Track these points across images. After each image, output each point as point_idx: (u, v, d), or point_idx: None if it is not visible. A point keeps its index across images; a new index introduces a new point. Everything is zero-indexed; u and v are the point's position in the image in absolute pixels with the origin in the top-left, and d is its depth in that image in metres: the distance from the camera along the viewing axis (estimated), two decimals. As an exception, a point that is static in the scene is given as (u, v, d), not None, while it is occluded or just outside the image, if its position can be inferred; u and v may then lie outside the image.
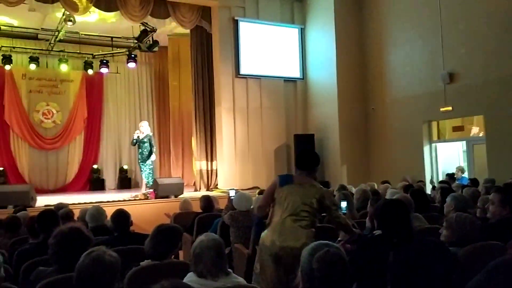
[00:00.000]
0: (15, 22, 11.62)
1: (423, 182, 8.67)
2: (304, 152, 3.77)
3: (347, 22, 11.42)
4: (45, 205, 7.60)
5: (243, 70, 11.45)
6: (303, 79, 12.32)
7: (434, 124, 10.20)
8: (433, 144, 10.13)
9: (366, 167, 11.23)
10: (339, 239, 3.39)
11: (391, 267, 1.90)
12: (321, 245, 1.89)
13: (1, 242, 4.59)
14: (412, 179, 8.60)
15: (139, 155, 10.04)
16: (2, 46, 11.96)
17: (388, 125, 10.88)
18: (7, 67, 11.84)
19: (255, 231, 3.85)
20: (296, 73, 12.28)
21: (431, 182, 9.54)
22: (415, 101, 10.11)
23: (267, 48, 11.85)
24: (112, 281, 2.21)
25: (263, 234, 3.50)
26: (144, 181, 10.13)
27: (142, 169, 10.08)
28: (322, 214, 3.62)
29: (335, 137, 11.30)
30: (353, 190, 6.18)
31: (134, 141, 9.96)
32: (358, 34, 11.54)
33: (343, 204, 3.87)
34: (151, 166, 10.16)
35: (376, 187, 6.85)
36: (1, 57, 11.72)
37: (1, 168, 12.12)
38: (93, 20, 11.20)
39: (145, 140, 9.90)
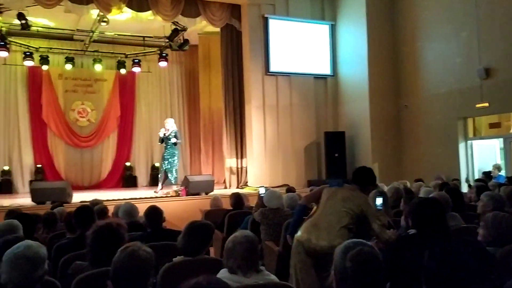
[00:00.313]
0: (52, 24, 11.97)
1: (458, 180, 8.46)
2: (361, 168, 3.83)
3: (379, 17, 11.23)
4: (81, 201, 7.81)
5: (273, 68, 11.43)
6: (333, 76, 12.20)
7: (470, 120, 9.92)
8: (469, 141, 9.85)
9: (398, 165, 11.03)
10: (374, 237, 3.35)
11: (426, 267, 1.86)
12: (355, 243, 1.87)
13: (40, 237, 4.75)
14: (446, 177, 8.40)
15: (165, 152, 9.94)
16: (39, 47, 12.35)
17: (422, 122, 10.65)
18: (45, 67, 12.21)
19: (294, 220, 3.91)
20: (326, 70, 12.16)
21: (467, 180, 9.29)
22: (449, 97, 9.85)
23: (297, 45, 11.78)
24: (147, 276, 2.25)
25: (299, 230, 3.55)
26: (170, 177, 9.96)
27: (167, 165, 9.89)
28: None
29: (366, 135, 11.15)
30: (385, 188, 6.08)
31: (161, 138, 9.92)
32: (390, 29, 11.34)
33: (379, 201, 3.81)
34: (177, 163, 10.07)
35: (409, 185, 6.72)
36: (39, 58, 12.09)
37: (39, 165, 12.53)
38: (125, 20, 11.41)
39: (171, 136, 9.83)
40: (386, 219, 3.52)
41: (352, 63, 11.66)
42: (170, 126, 9.91)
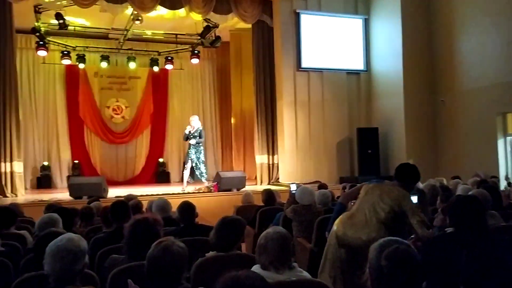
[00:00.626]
0: (88, 23, 12.27)
1: (497, 178, 8.16)
2: (405, 166, 3.77)
3: (414, 11, 10.95)
4: (116, 196, 7.97)
5: (305, 64, 11.35)
6: (366, 71, 12.00)
7: (510, 116, 9.55)
8: (508, 137, 9.49)
9: (434, 162, 10.75)
10: (411, 236, 3.28)
11: (464, 266, 1.80)
12: (390, 241, 1.84)
13: (77, 230, 4.89)
14: (484, 174, 8.13)
15: (190, 150, 9.99)
16: (76, 46, 12.69)
17: (459, 117, 10.34)
18: (81, 65, 12.54)
19: (332, 217, 3.89)
20: (359, 65, 11.98)
21: (506, 178, 8.96)
22: (488, 92, 9.51)
23: (329, 41, 11.65)
24: (180, 270, 2.28)
25: (335, 224, 3.56)
26: (198, 173, 10.01)
27: (194, 162, 9.92)
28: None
29: (400, 131, 10.93)
30: (421, 185, 5.95)
31: (186, 136, 9.96)
32: (425, 23, 11.05)
33: (413, 200, 3.72)
34: (203, 159, 10.10)
35: (445, 182, 6.54)
36: (76, 56, 12.43)
37: (77, 161, 12.91)
38: (158, 18, 11.57)
39: (196, 134, 9.88)
40: (424, 217, 3.44)
41: (386, 58, 11.43)
42: (195, 123, 9.96)
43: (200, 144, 10.05)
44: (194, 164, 9.98)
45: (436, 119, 10.96)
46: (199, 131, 9.93)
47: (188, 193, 9.69)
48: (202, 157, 10.07)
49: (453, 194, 4.52)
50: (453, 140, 10.48)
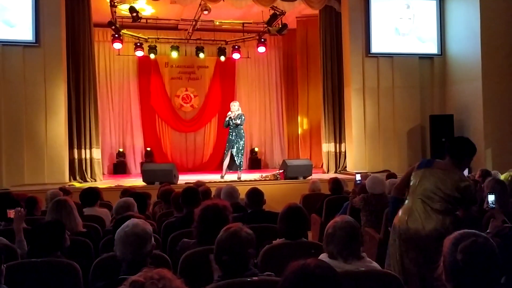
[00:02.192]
0: (159, 16, 12.69)
1: None
2: (458, 139, 3.56)
3: (493, -11, 10.21)
4: (186, 183, 8.24)
5: (374, 49, 10.98)
6: (441, 55, 11.39)
7: None
8: None
9: (515, 151, 10.04)
10: (487, 231, 3.09)
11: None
12: (467, 234, 1.74)
13: (157, 211, 5.27)
14: None
15: (231, 135, 9.88)
16: (148, 38, 13.19)
17: (544, 103, 9.55)
18: (152, 56, 13.02)
19: (389, 211, 3.77)
20: (432, 49, 11.39)
21: None
22: None
23: (400, 24, 11.19)
24: (248, 256, 2.32)
25: (396, 216, 3.39)
26: (238, 161, 9.92)
27: (235, 150, 9.83)
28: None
29: (478, 117, 10.29)
30: (500, 176, 5.59)
31: (226, 122, 9.85)
32: (507, 2, 10.25)
33: (490, 198, 3.47)
34: (243, 147, 10.00)
35: (527, 173, 6.08)
36: (148, 48, 12.92)
37: (149, 149, 13.49)
38: (226, 7, 11.70)
39: (238, 120, 9.75)
40: (501, 217, 3.21)
41: (463, 41, 10.76)
42: (236, 109, 9.88)
43: (241, 128, 9.92)
44: (234, 151, 9.83)
45: (518, 105, 10.20)
46: (239, 116, 9.82)
47: (255, 180, 9.80)
48: (242, 143, 9.92)
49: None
50: (538, 128, 9.70)
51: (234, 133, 9.89)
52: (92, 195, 4.93)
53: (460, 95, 10.90)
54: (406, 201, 3.39)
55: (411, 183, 3.39)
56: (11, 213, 3.57)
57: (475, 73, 10.30)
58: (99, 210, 4.86)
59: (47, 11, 9.58)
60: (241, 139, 9.92)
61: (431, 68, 11.45)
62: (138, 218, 2.61)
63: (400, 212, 3.37)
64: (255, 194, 4.18)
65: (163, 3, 10.78)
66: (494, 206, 3.44)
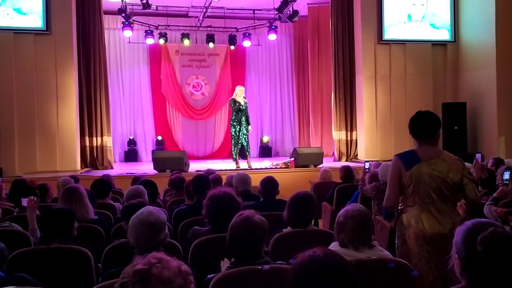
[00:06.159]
0: (169, 3, 12.62)
1: None
2: (419, 116, 3.30)
3: (510, -27, 9.97)
4: (196, 171, 8.25)
5: (387, 35, 10.84)
6: (454, 41, 11.20)
7: None
8: None
9: (529, 139, 9.89)
10: (493, 195, 3.04)
11: None
12: (483, 224, 1.69)
13: (168, 199, 5.29)
14: None
15: (235, 120, 9.72)
16: (158, 25, 13.13)
17: (561, 91, 9.36)
18: (163, 43, 12.98)
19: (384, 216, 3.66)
20: (445, 35, 11.20)
21: None
22: None
23: (413, 10, 11.00)
24: (260, 242, 2.31)
25: (405, 217, 3.14)
26: (247, 148, 9.88)
27: (242, 137, 9.74)
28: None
29: (491, 105, 10.12)
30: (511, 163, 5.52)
31: (237, 108, 9.59)
32: (524, -13, 10.02)
33: (506, 176, 3.41)
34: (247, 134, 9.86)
35: (542, 162, 6.00)
36: (158, 35, 12.88)
37: (160, 137, 13.53)
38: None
39: (243, 107, 9.64)
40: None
41: (477, 27, 10.56)
42: (241, 94, 9.71)
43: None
44: (244, 140, 9.74)
45: (533, 93, 10.01)
46: (246, 104, 9.73)
47: (266, 168, 9.79)
48: (246, 129, 9.77)
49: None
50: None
51: (243, 118, 9.68)
52: (102, 188, 4.78)
53: (473, 82, 10.73)
54: (410, 208, 3.08)
55: (408, 189, 3.08)
56: (24, 202, 3.62)
57: (489, 60, 10.12)
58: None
59: (58, -1, 9.60)
60: (245, 127, 9.76)
61: (444, 55, 11.27)
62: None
63: (410, 216, 3.07)
64: (270, 182, 4.16)
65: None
66: (508, 183, 3.39)
